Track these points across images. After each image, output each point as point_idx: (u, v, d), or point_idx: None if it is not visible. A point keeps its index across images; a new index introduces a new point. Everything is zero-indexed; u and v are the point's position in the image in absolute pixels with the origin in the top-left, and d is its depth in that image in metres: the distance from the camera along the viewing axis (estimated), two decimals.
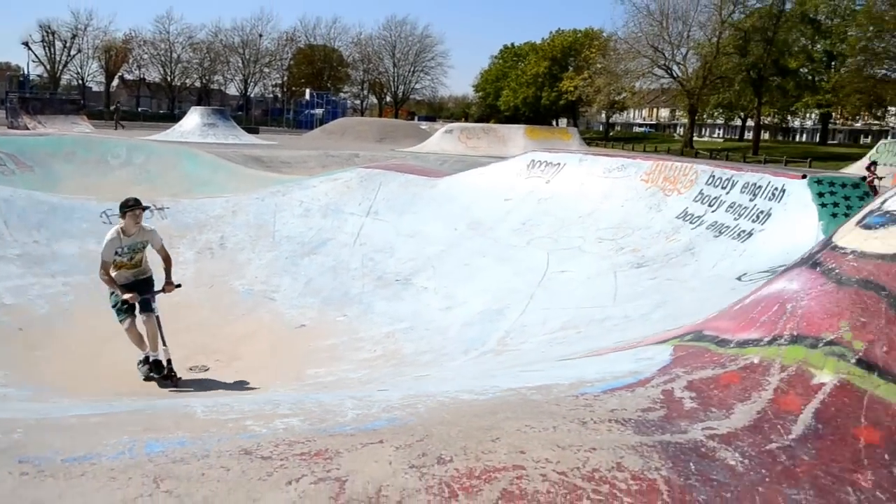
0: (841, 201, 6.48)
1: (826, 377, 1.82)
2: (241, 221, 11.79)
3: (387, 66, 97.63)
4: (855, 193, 6.59)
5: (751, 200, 7.38)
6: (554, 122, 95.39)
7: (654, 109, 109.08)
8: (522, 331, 6.48)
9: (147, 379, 6.65)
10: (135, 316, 6.75)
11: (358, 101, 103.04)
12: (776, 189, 7.02)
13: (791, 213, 6.60)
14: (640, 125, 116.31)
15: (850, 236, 2.20)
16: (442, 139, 43.31)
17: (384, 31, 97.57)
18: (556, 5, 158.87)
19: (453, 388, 2.26)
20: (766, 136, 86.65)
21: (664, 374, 2.08)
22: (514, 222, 10.19)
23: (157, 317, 6.82)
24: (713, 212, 7.87)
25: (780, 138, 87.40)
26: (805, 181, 6.64)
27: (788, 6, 60.29)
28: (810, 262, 2.24)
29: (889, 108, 68.59)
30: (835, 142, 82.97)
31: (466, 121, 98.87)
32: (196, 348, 7.38)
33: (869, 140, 76.55)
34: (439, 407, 2.00)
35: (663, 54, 60.62)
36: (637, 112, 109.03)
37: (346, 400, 2.26)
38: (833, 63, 67.58)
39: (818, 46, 66.23)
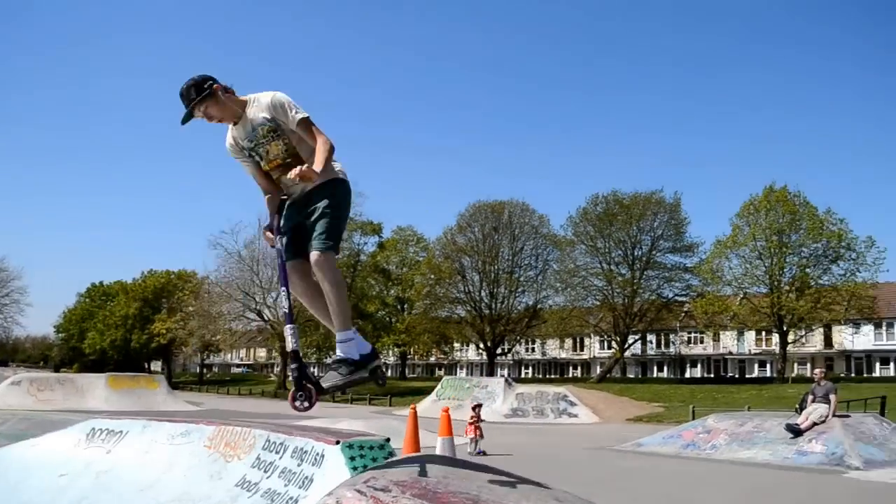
0: (370, 462, 7.25)
1: None
2: None
3: None
4: (381, 454, 7.44)
5: (298, 466, 7.87)
6: (146, 365, 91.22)
7: (253, 349, 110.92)
8: None
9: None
10: None
11: None
12: (318, 454, 7.62)
13: (328, 477, 7.17)
14: (239, 365, 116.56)
15: None
16: (7, 392, 38.20)
17: None
18: (149, 245, 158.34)
19: None
20: None
21: None
22: (67, 502, 9.38)
23: None
24: (268, 478, 8.18)
25: None
26: (339, 446, 7.36)
27: (363, 258, 67.93)
28: None
29: (454, 344, 79.10)
30: (414, 375, 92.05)
31: (45, 365, 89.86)
32: None
33: (442, 372, 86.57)
34: None
35: (254, 298, 63.02)
36: (235, 352, 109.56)
37: None
38: (405, 306, 76.70)
39: (391, 292, 74.93)
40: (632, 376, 75.97)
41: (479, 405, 18.96)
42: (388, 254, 72.80)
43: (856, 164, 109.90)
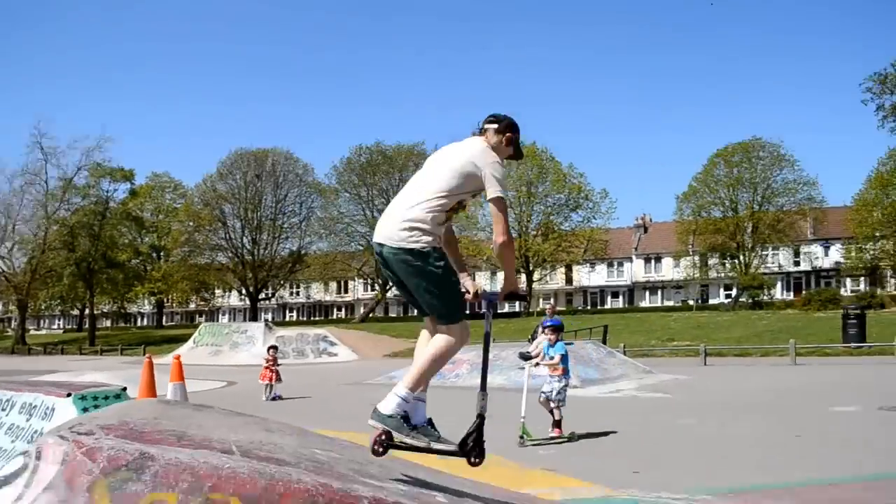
0: None
1: None
2: None
3: None
4: (118, 402, 7.43)
5: (27, 421, 7.61)
6: None
7: None
8: None
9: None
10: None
11: None
12: (48, 408, 7.42)
13: None
14: None
15: None
16: None
17: None
18: None
19: None
20: (108, 323, 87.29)
21: None
22: None
23: None
24: None
25: (121, 324, 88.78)
26: (70, 399, 7.23)
27: (112, 205, 63.28)
28: None
29: (215, 291, 76.95)
30: (173, 323, 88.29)
31: None
32: None
33: (203, 319, 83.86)
34: None
35: None
36: None
37: None
38: (161, 254, 73.04)
39: (145, 240, 70.94)
40: (394, 315, 78.68)
41: (275, 347, 17.69)
42: (142, 200, 68.57)
43: (595, 122, 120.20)
